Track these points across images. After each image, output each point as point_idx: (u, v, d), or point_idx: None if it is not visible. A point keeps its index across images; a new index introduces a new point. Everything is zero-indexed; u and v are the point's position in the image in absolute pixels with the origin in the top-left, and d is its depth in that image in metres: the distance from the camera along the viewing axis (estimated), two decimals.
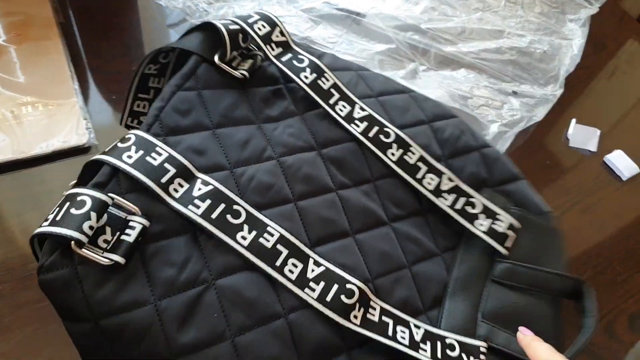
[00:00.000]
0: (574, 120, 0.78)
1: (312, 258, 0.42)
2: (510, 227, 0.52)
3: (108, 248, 0.36)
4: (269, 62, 0.50)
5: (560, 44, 0.82)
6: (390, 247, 0.47)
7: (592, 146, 0.77)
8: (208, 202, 0.40)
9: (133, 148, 0.39)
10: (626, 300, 0.64)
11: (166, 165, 0.40)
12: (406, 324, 0.44)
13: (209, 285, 0.38)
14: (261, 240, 0.41)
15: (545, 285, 0.51)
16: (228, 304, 0.38)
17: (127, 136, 0.40)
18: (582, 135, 0.77)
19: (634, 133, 0.81)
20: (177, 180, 0.40)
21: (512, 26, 0.80)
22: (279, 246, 0.41)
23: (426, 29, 0.74)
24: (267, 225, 0.41)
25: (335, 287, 0.42)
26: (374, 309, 0.43)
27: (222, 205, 0.40)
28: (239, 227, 0.40)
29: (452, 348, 0.44)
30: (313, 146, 0.48)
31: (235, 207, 0.41)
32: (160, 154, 0.40)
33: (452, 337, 0.45)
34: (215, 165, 0.43)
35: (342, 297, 0.41)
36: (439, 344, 0.44)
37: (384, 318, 0.43)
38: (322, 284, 0.41)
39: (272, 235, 0.41)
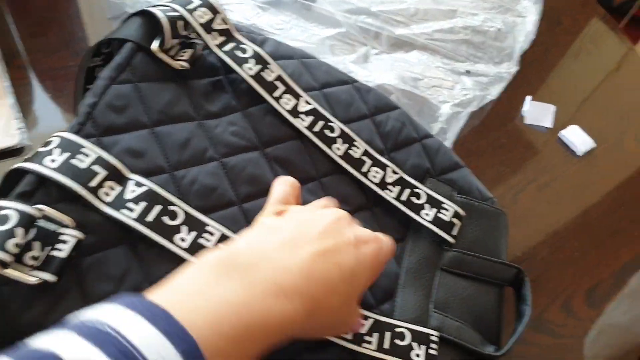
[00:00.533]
0: (529, 98, 0.78)
1: None
2: (456, 215, 0.52)
3: (37, 265, 0.34)
4: (208, 51, 0.48)
5: (515, 22, 0.82)
6: None
7: (548, 122, 0.77)
8: (143, 204, 0.38)
9: (56, 151, 0.37)
10: (583, 276, 0.64)
11: (95, 167, 0.37)
12: None
13: None
14: (201, 240, 0.39)
15: (490, 273, 0.51)
16: None
17: (49, 139, 0.38)
18: (537, 112, 0.77)
19: (589, 108, 0.82)
20: (108, 183, 0.37)
21: (465, 5, 0.79)
22: (221, 246, 0.40)
23: (378, 11, 0.73)
24: (207, 225, 0.40)
25: None
26: None
27: (159, 207, 0.38)
28: (177, 229, 0.39)
29: (402, 337, 0.44)
30: (256, 145, 0.46)
31: (171, 207, 0.39)
32: (87, 155, 0.37)
33: (403, 326, 0.44)
34: (154, 168, 0.41)
35: None
36: (387, 334, 0.43)
37: None
38: None
39: (212, 234, 0.40)
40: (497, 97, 0.75)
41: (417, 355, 0.43)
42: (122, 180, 0.38)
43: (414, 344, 0.44)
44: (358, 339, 0.42)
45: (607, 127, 0.80)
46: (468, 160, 0.67)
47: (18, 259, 0.33)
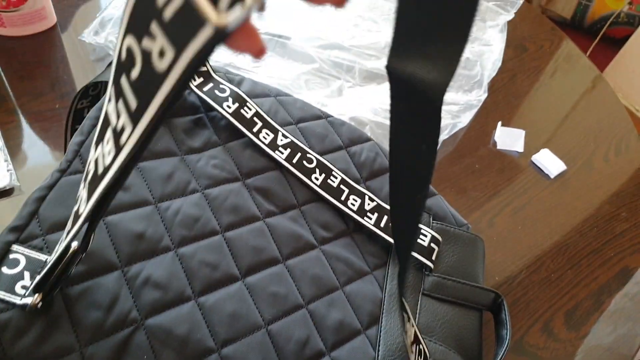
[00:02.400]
0: (499, 123, 0.81)
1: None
2: (434, 240, 0.53)
3: (26, 294, 0.35)
4: (189, 92, 0.50)
5: (482, 50, 0.85)
6: (321, 270, 0.47)
7: (519, 147, 0.79)
8: None
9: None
10: (561, 297, 0.66)
11: None
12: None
13: (138, 326, 0.38)
14: None
15: (470, 298, 0.52)
16: (158, 344, 0.38)
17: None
18: (508, 137, 0.80)
19: (557, 131, 0.84)
20: None
21: None
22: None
23: (349, 46, 0.76)
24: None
25: None
26: None
27: None
28: None
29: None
30: (237, 177, 0.48)
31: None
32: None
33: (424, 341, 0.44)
34: (139, 200, 0.42)
35: None
36: (421, 347, 0.43)
37: None
38: None
39: None
40: (468, 124, 0.78)
41: None
42: None
43: None
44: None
45: (576, 149, 0.82)
46: (443, 187, 0.69)
47: (9, 289, 0.34)
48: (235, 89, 0.50)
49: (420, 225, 0.54)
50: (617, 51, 2.12)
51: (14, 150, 0.62)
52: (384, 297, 0.49)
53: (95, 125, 0.43)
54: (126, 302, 0.38)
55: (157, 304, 0.39)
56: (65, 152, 0.49)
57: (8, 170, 0.58)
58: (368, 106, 0.70)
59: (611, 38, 2.27)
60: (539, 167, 0.78)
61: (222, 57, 0.70)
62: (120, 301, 0.38)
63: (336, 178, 0.52)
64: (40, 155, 0.63)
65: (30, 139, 0.64)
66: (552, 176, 0.77)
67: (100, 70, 0.73)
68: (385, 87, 0.75)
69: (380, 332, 0.47)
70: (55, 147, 0.64)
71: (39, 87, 0.69)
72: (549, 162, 0.78)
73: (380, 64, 0.76)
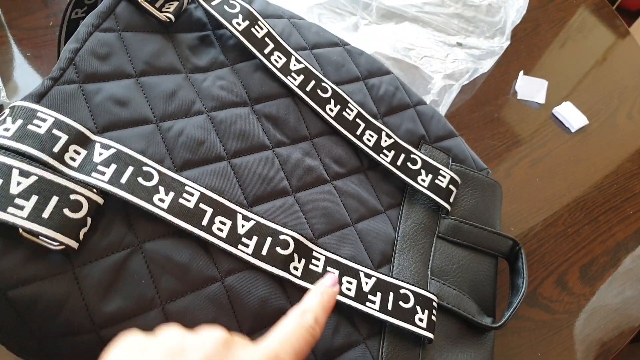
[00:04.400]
0: (521, 72, 0.77)
1: (240, 213, 0.39)
2: (452, 182, 0.50)
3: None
4: (195, 6, 0.46)
5: None
6: (332, 205, 0.44)
7: (540, 98, 0.76)
8: (114, 166, 0.35)
9: (9, 120, 0.34)
10: (578, 251, 0.63)
11: (55, 132, 0.34)
12: (355, 274, 0.41)
13: (135, 249, 0.35)
14: (181, 201, 0.37)
15: (486, 244, 0.50)
16: (157, 269, 0.35)
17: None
18: (529, 87, 0.76)
19: (581, 85, 0.80)
20: (72, 147, 0.35)
21: None
22: (202, 205, 0.37)
23: None
24: (185, 185, 0.37)
25: (269, 240, 0.39)
26: (318, 259, 0.41)
27: (130, 168, 0.36)
28: (154, 190, 0.36)
29: (407, 299, 0.42)
30: (246, 101, 0.44)
31: (145, 168, 0.36)
32: (44, 120, 0.34)
33: (406, 288, 0.42)
34: (139, 118, 0.39)
35: (277, 249, 0.39)
36: (391, 295, 0.41)
37: (329, 269, 0.41)
38: (255, 238, 0.38)
39: (191, 194, 0.37)
40: (488, 71, 0.74)
41: (421, 320, 0.41)
42: (86, 143, 0.35)
43: (418, 308, 0.42)
44: (361, 297, 0.40)
45: (599, 105, 0.78)
46: (460, 133, 0.65)
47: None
48: (246, 5, 0.46)
49: (439, 166, 0.50)
50: (632, 24, 2.06)
51: (3, 67, 0.58)
52: (397, 237, 0.46)
53: (91, 33, 0.39)
54: (122, 225, 0.35)
55: (155, 230, 0.36)
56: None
57: None
58: (386, 43, 0.66)
59: (626, 10, 2.20)
60: (560, 120, 0.75)
61: None
62: (115, 224, 0.35)
63: (352, 111, 0.48)
64: (31, 74, 0.59)
65: (21, 57, 0.60)
66: (573, 130, 0.74)
67: None
68: (404, 27, 0.71)
69: (392, 271, 0.45)
70: (47, 67, 0.60)
71: (29, 3, 0.65)
72: (571, 116, 0.74)
73: (398, 2, 0.72)
